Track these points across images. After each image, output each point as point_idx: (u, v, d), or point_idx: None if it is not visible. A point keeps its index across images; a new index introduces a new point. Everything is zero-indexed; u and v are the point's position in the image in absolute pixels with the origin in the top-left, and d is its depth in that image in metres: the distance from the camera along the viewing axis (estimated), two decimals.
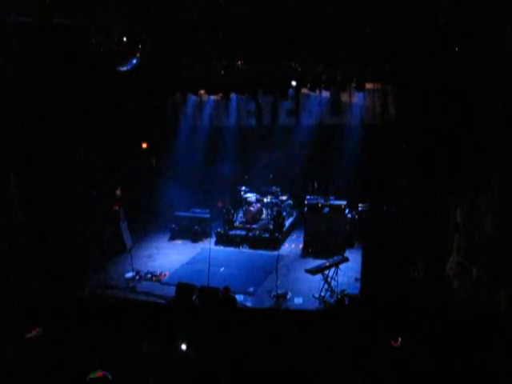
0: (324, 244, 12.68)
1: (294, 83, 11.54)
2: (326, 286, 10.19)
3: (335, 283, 10.26)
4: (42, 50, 9.30)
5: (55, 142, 10.52)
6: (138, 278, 11.37)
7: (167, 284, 11.05)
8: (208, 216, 14.40)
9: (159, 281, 11.36)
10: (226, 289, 9.46)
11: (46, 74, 9.79)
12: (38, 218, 10.43)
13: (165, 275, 11.62)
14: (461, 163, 8.90)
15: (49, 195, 10.52)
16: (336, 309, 9.65)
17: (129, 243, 13.37)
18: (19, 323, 7.35)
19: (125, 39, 8.78)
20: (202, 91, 13.64)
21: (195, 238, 14.08)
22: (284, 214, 14.28)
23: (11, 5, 8.36)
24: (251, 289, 10.72)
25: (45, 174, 10.43)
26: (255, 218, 14.20)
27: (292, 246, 13.67)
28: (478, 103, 8.45)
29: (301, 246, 13.38)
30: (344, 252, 12.16)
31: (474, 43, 8.30)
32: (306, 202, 13.60)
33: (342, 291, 10.23)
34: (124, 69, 9.74)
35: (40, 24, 8.66)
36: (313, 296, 10.18)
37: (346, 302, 9.76)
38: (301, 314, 9.51)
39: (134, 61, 9.53)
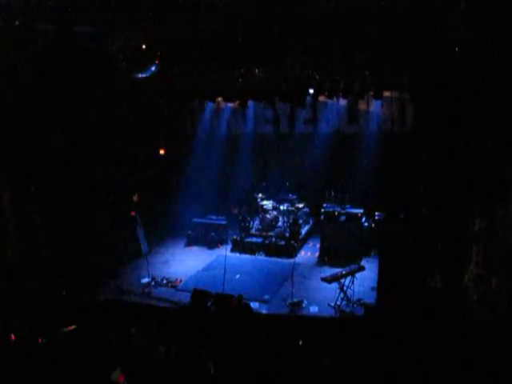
0: (340, 252, 12.59)
1: (311, 91, 11.54)
2: (341, 294, 10.10)
3: (351, 292, 10.17)
4: (62, 57, 9.46)
5: (73, 148, 10.66)
6: (153, 283, 11.42)
7: (182, 290, 11.07)
8: (224, 223, 14.42)
9: (174, 287, 11.39)
10: (240, 298, 9.43)
11: (67, 82, 9.95)
12: (56, 223, 10.56)
13: (180, 281, 11.65)
14: (480, 172, 8.78)
15: (66, 201, 10.65)
16: (352, 318, 9.56)
17: (145, 249, 13.44)
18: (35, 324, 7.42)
19: (144, 47, 8.90)
20: (220, 99, 13.72)
21: (211, 244, 14.10)
22: (300, 221, 14.23)
23: (33, 13, 8.54)
24: (266, 296, 10.68)
25: (62, 179, 10.57)
26: (271, 225, 14.18)
27: (308, 253, 13.61)
28: (498, 111, 8.34)
29: (317, 254, 13.31)
30: (360, 261, 12.08)
31: (494, 50, 8.22)
32: (322, 210, 13.54)
33: (358, 300, 10.14)
34: (143, 76, 9.87)
35: (61, 32, 8.83)
36: (328, 305, 10.10)
37: (362, 312, 9.66)
38: (316, 322, 9.44)
39: (153, 68, 9.65)
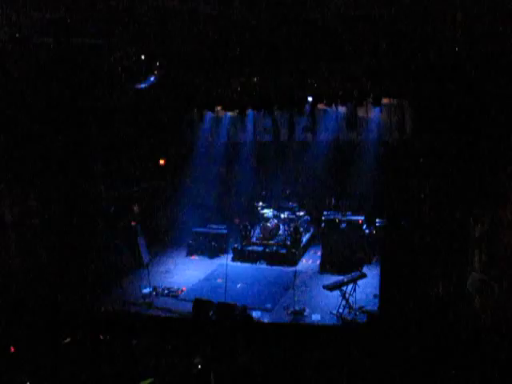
0: (342, 260, 12.55)
1: (310, 99, 11.57)
2: (343, 302, 10.06)
3: (353, 299, 10.13)
4: (61, 69, 9.50)
5: (74, 158, 10.68)
6: (155, 293, 11.38)
7: (184, 300, 11.02)
8: (225, 232, 14.40)
9: (176, 297, 11.34)
10: (244, 308, 9.40)
11: (65, 92, 9.99)
12: (56, 234, 10.55)
13: (182, 291, 11.61)
14: (480, 177, 8.79)
15: (67, 211, 10.65)
16: (354, 325, 9.52)
17: (146, 259, 13.40)
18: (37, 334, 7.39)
19: (143, 57, 8.93)
20: (219, 108, 13.74)
21: (212, 253, 14.07)
22: (301, 229, 14.19)
23: (32, 25, 8.59)
24: (268, 305, 10.64)
25: (63, 189, 10.58)
26: (272, 233, 14.14)
27: (309, 261, 13.57)
28: (497, 117, 8.36)
29: (318, 261, 13.26)
30: (362, 268, 12.05)
31: (492, 58, 8.25)
32: (323, 218, 13.52)
33: (361, 308, 10.10)
34: (142, 86, 9.91)
35: (60, 44, 8.88)
36: (331, 312, 10.06)
37: (365, 319, 9.62)
38: (318, 330, 9.40)
39: (152, 78, 9.69)
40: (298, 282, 11.00)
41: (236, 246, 13.95)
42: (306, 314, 10.15)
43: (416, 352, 7.28)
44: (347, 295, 10.11)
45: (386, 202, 13.11)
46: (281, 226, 14.34)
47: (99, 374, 6.74)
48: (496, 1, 7.75)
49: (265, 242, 13.98)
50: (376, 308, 9.93)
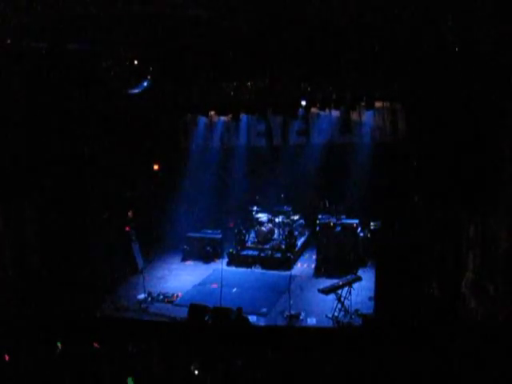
0: (337, 263, 12.58)
1: (303, 103, 11.61)
2: (339, 305, 10.07)
3: (349, 303, 10.14)
4: (55, 75, 9.48)
5: (67, 165, 10.65)
6: (150, 299, 11.34)
7: (179, 305, 10.99)
8: (220, 237, 14.39)
9: (171, 302, 11.31)
10: (239, 310, 9.39)
11: (59, 99, 9.97)
12: (50, 240, 10.50)
13: (177, 296, 11.58)
14: (473, 179, 8.83)
15: (61, 217, 10.61)
16: (350, 329, 9.52)
17: (140, 264, 13.37)
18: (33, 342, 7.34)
19: (135, 62, 8.94)
20: (212, 112, 13.77)
21: (207, 258, 14.04)
22: (296, 233, 14.22)
23: (25, 31, 8.57)
24: (264, 309, 10.62)
25: (57, 196, 10.54)
26: (267, 238, 14.14)
27: (304, 265, 13.58)
28: (489, 118, 8.41)
29: (313, 265, 13.28)
30: (357, 271, 12.07)
31: (485, 59, 8.30)
32: (317, 222, 13.54)
33: (356, 311, 10.11)
34: (135, 92, 9.91)
35: (53, 49, 8.86)
36: (326, 316, 10.06)
37: (360, 322, 9.62)
38: (314, 333, 9.38)
39: (145, 84, 9.69)
40: (293, 285, 10.99)
41: (231, 250, 13.93)
42: (301, 317, 10.15)
43: (412, 354, 7.28)
44: (342, 298, 10.12)
45: (380, 204, 13.17)
46: (275, 230, 14.34)
47: (95, 380, 6.69)
48: (486, 4, 7.81)
49: (260, 246, 13.99)
50: (371, 311, 9.94)
